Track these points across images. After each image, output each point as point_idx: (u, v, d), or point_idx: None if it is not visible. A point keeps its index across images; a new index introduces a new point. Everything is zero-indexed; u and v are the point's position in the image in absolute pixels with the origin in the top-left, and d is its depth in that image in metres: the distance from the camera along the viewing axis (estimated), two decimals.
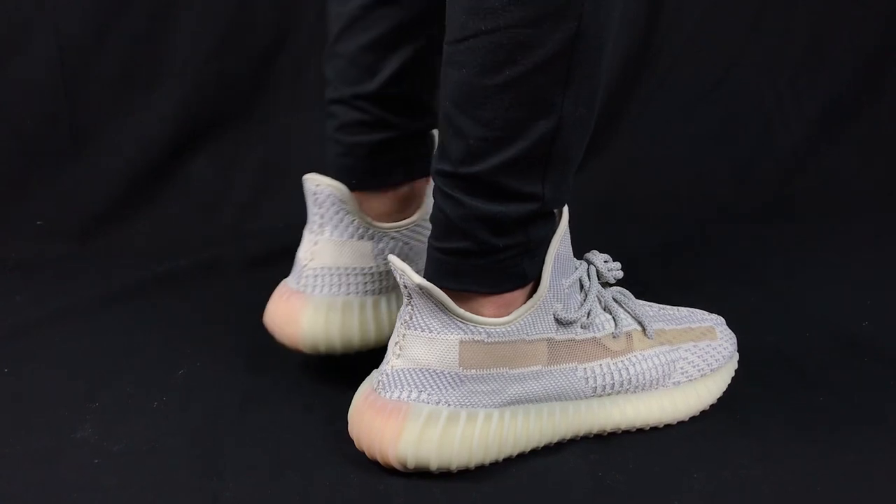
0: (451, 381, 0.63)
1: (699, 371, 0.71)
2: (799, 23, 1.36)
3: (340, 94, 0.73)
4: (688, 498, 0.61)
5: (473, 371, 0.63)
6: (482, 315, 0.63)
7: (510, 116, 0.58)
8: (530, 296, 0.65)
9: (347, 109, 0.73)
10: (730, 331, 0.76)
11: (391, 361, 0.64)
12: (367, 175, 0.74)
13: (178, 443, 0.68)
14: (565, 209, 0.67)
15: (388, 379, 0.64)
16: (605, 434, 0.69)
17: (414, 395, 0.63)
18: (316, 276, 0.74)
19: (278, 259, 1.06)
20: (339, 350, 0.74)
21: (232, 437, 0.69)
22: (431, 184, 0.76)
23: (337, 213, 0.73)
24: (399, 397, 0.63)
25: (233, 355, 0.82)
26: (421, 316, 0.62)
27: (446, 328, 0.62)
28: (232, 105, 1.24)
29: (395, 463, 0.63)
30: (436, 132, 0.78)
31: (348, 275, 0.74)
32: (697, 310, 0.76)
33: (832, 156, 1.33)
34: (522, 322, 0.63)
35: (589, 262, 0.71)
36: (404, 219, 0.77)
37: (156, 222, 1.18)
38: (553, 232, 0.65)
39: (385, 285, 0.76)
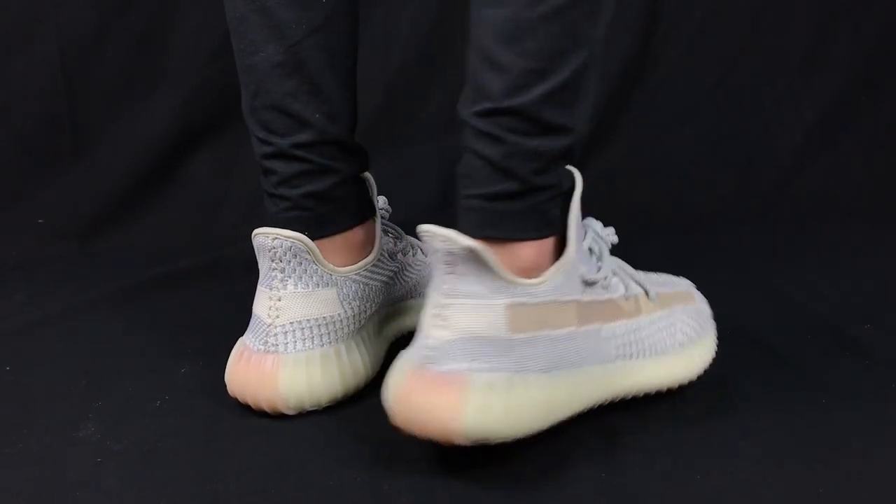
0: (502, 346, 0.62)
1: (695, 332, 0.74)
2: (797, 26, 1.36)
3: (277, 147, 0.71)
4: (690, 500, 0.61)
5: (521, 335, 0.62)
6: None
7: (554, 47, 0.60)
8: (555, 257, 0.66)
9: (287, 162, 0.72)
10: (699, 293, 0.78)
11: (434, 334, 0.62)
12: (317, 225, 0.73)
13: (179, 443, 0.68)
14: (578, 177, 0.68)
15: (437, 352, 0.61)
16: (629, 399, 0.71)
17: (468, 365, 0.61)
18: (286, 332, 0.71)
19: None
20: (324, 404, 0.72)
21: (233, 437, 0.69)
22: (379, 222, 0.78)
23: (300, 264, 0.71)
24: (454, 369, 0.61)
25: None
26: (465, 283, 0.61)
27: (492, 293, 0.61)
28: (232, 106, 1.23)
29: (458, 437, 0.60)
30: (368, 174, 0.78)
31: (319, 325, 0.72)
32: (669, 274, 0.78)
33: (831, 158, 1.33)
34: (556, 282, 0.64)
35: (589, 227, 0.72)
36: (361, 260, 0.76)
37: (156, 223, 1.18)
38: (570, 184, 0.67)
39: (353, 329, 0.75)
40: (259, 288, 0.73)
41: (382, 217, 0.84)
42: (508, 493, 0.62)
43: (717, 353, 0.79)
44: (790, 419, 0.71)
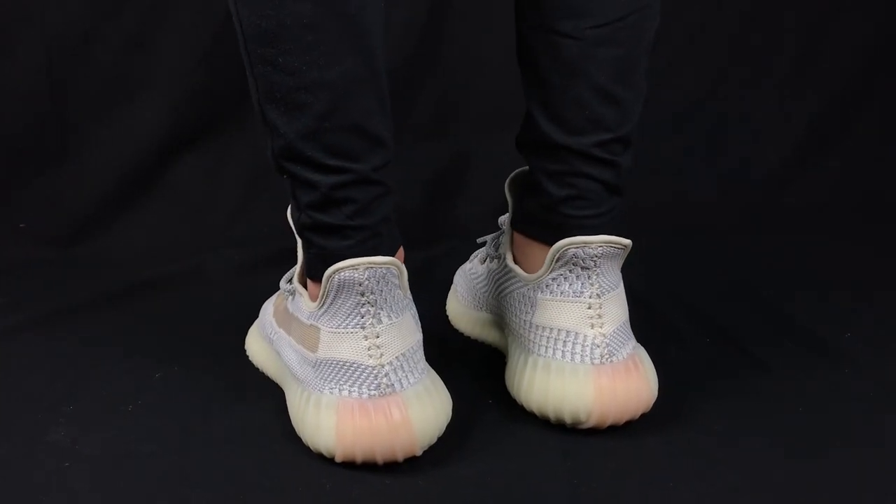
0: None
1: None
2: (786, 37, 1.36)
3: (357, 173, 0.64)
4: None
5: None
6: None
7: (644, 76, 0.69)
8: None
9: (366, 188, 0.65)
10: None
11: (597, 331, 0.68)
12: (389, 249, 0.67)
13: (152, 447, 0.67)
14: None
15: (610, 348, 0.68)
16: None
17: (632, 344, 0.70)
18: (395, 369, 0.64)
19: (263, 265, 1.06)
20: (442, 433, 0.67)
21: (206, 442, 0.68)
22: None
23: (390, 291, 0.64)
24: (628, 354, 0.69)
25: (210, 360, 0.81)
26: (609, 278, 0.69)
27: (620, 278, 0.70)
28: (219, 110, 1.24)
29: (650, 406, 0.69)
30: None
31: (415, 352, 0.66)
32: None
33: (818, 167, 1.33)
34: None
35: None
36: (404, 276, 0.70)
37: (141, 227, 1.17)
38: None
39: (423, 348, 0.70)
40: (339, 331, 0.64)
41: None
42: (479, 497, 0.62)
43: (697, 359, 0.78)
44: (768, 427, 0.71)
